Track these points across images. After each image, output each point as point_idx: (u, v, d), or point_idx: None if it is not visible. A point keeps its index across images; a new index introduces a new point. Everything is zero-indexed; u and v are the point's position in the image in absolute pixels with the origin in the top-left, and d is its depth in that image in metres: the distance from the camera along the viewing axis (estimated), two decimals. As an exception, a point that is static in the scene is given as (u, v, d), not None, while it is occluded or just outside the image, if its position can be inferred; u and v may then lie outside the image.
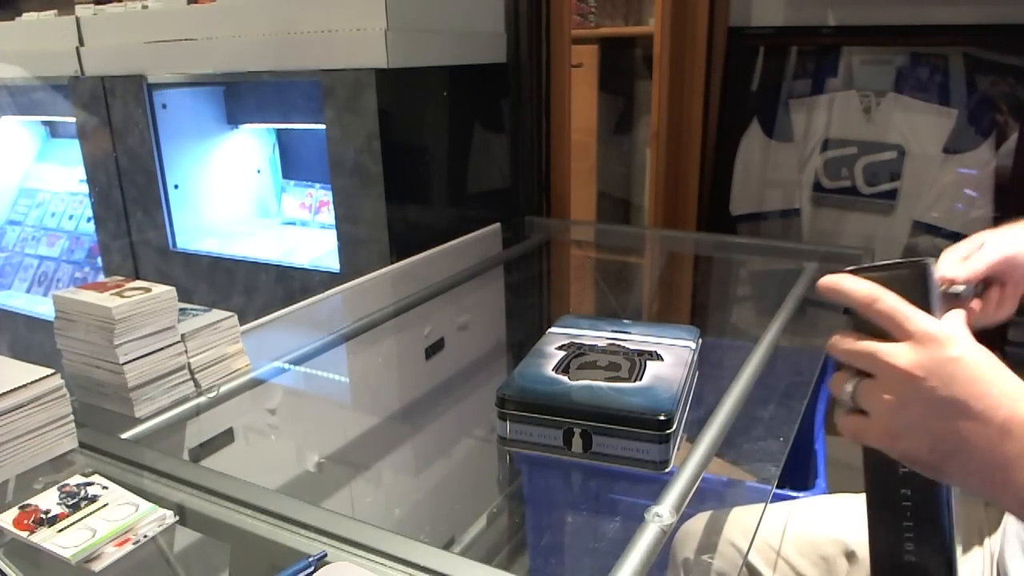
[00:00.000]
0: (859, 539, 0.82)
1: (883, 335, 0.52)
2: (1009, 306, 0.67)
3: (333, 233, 1.63)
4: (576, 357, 0.82)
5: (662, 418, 0.67)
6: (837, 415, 0.55)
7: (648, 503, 0.64)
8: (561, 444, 0.66)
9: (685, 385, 0.76)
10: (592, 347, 0.86)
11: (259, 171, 2.13)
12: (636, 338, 0.89)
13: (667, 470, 0.68)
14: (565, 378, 0.75)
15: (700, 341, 0.94)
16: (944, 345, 0.49)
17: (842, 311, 0.55)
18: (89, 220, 2.34)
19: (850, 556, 0.82)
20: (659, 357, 0.82)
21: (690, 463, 0.70)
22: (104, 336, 0.82)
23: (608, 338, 0.89)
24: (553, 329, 0.94)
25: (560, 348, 0.86)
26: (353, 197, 1.53)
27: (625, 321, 0.95)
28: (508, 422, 0.70)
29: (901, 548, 0.55)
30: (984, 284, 0.66)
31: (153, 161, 1.85)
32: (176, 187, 1.90)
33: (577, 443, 0.65)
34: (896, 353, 0.51)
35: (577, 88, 2.01)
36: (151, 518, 0.64)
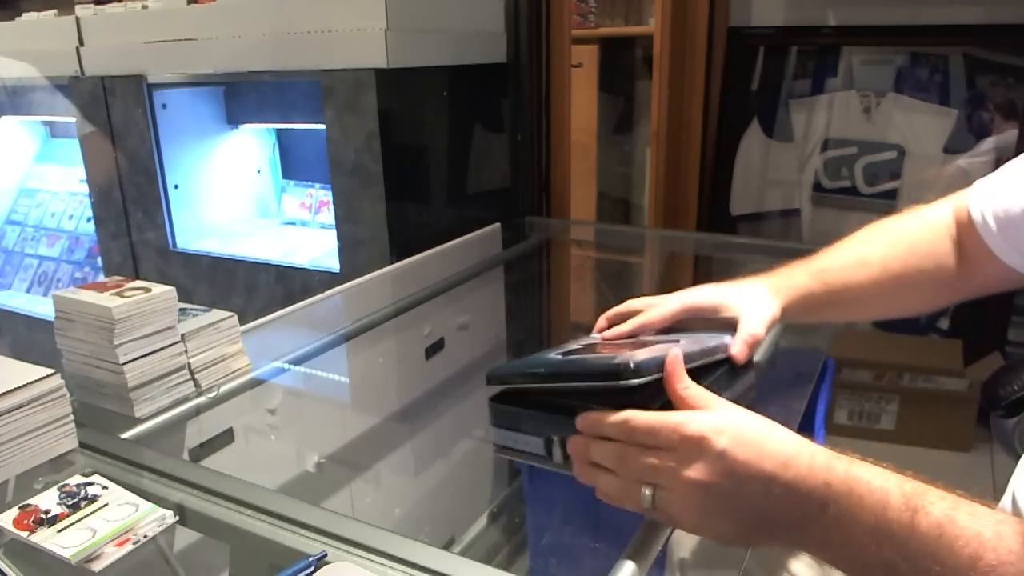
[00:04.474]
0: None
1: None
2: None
3: (333, 233, 1.63)
4: (581, 348, 0.71)
5: (632, 380, 0.55)
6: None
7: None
8: (543, 453, 0.62)
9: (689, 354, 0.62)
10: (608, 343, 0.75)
11: (259, 171, 2.13)
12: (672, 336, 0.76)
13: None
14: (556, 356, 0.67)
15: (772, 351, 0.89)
16: (710, 441, 0.51)
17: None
18: (89, 220, 2.34)
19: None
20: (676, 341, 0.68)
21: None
22: (104, 336, 0.82)
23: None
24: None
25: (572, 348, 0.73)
26: (353, 197, 1.54)
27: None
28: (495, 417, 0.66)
29: None
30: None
31: (153, 161, 1.85)
32: (176, 187, 1.90)
33: (559, 454, 0.61)
34: (673, 466, 0.53)
35: (577, 88, 2.01)
36: (151, 518, 0.64)
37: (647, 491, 0.54)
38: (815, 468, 0.50)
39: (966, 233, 0.74)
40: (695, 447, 0.52)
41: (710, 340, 0.69)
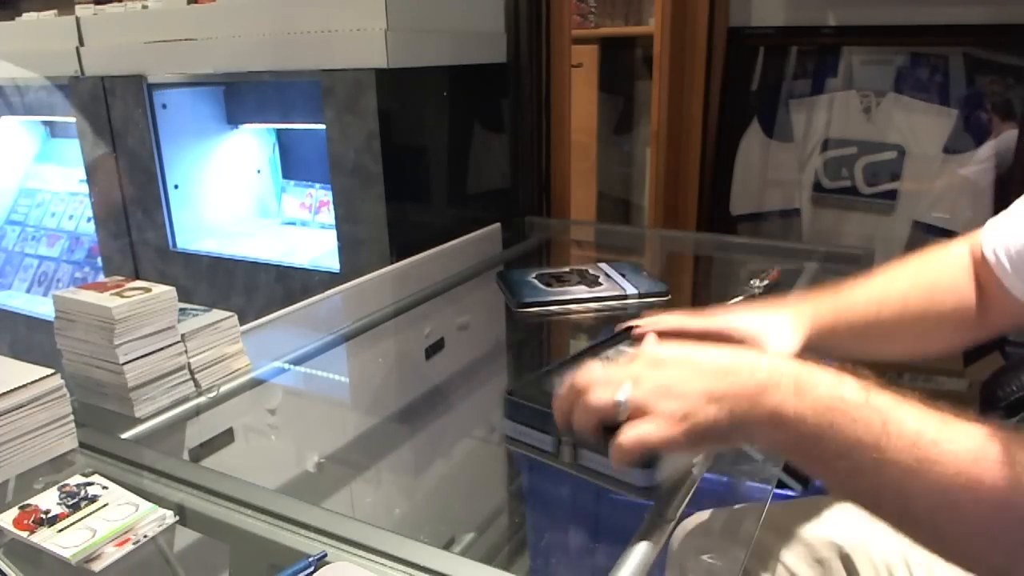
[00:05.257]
0: (855, 542, 0.83)
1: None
2: None
3: (333, 233, 1.63)
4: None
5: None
6: (615, 440, 0.56)
7: (648, 503, 0.64)
8: (552, 451, 0.65)
9: None
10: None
11: (259, 171, 2.13)
12: None
13: (651, 499, 0.62)
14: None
15: None
16: (662, 352, 0.60)
17: None
18: (89, 220, 2.34)
19: (845, 559, 0.83)
20: None
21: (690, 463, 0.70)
22: (104, 336, 0.82)
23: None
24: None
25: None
26: (353, 197, 1.53)
27: None
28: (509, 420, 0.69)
29: None
30: None
31: (153, 161, 1.85)
32: (176, 187, 1.90)
33: (567, 453, 0.64)
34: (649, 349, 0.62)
35: (577, 88, 2.01)
36: (151, 518, 0.64)
37: (620, 394, 0.57)
38: (776, 358, 0.57)
39: (982, 272, 0.74)
40: (655, 355, 0.60)
41: None
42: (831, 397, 0.51)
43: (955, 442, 0.48)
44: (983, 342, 0.79)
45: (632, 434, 0.55)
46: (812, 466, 0.53)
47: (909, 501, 0.48)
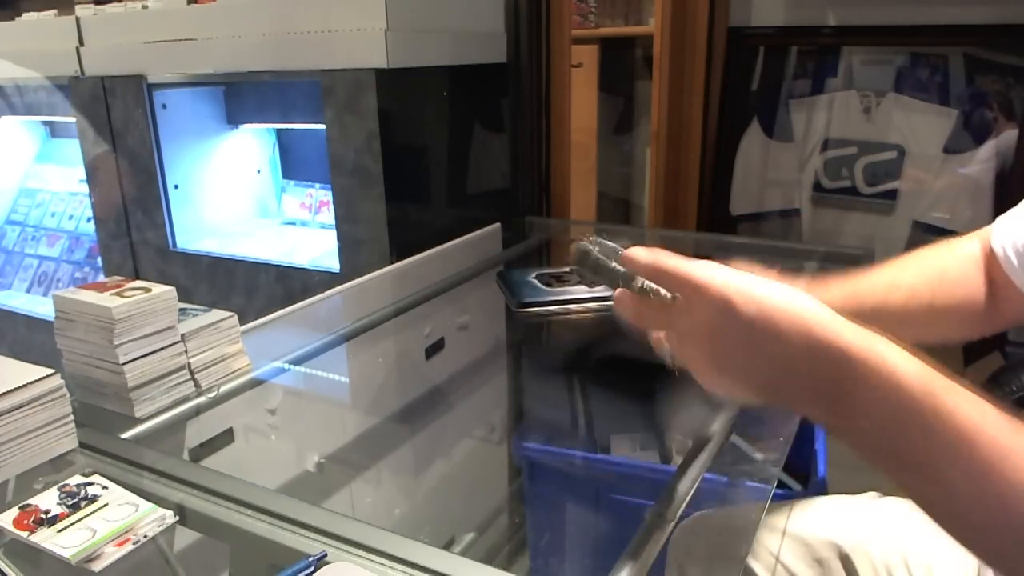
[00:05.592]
0: (855, 542, 0.83)
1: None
2: None
3: (333, 233, 1.63)
4: None
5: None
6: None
7: (648, 503, 0.64)
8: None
9: None
10: None
11: (259, 171, 2.13)
12: None
13: None
14: None
15: None
16: (732, 302, 0.51)
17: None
18: (89, 220, 2.34)
19: (844, 559, 0.83)
20: None
21: (690, 463, 0.70)
22: (104, 336, 0.82)
23: None
24: None
25: None
26: (353, 197, 1.53)
27: None
28: None
29: None
30: None
31: (153, 161, 1.85)
32: (176, 187, 1.90)
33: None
34: (693, 321, 0.54)
35: (577, 88, 2.01)
36: (151, 518, 0.64)
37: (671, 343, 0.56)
38: (834, 342, 0.48)
39: (992, 266, 0.75)
40: (715, 305, 0.52)
41: None
42: (904, 402, 0.46)
43: None
44: (991, 334, 0.80)
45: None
46: (880, 465, 0.49)
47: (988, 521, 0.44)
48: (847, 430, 0.49)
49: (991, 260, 0.75)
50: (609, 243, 0.61)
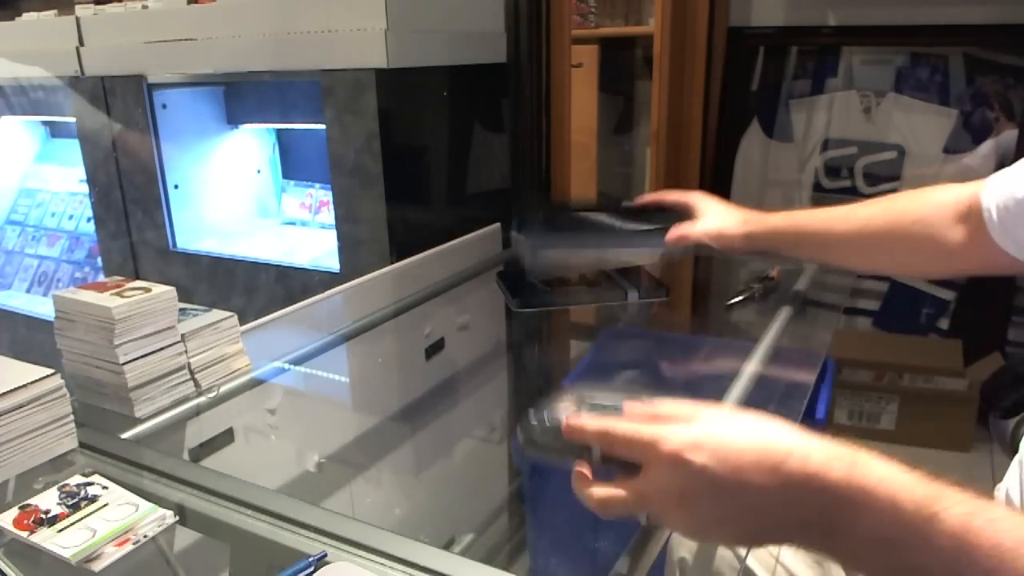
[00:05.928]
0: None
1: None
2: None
3: (333, 233, 1.63)
4: None
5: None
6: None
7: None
8: None
9: None
10: None
11: (259, 171, 2.13)
12: None
13: None
14: None
15: None
16: (687, 460, 0.48)
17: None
18: (89, 220, 2.34)
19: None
20: None
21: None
22: (104, 336, 0.82)
23: None
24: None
25: None
26: (353, 197, 1.53)
27: None
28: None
29: None
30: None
31: (153, 161, 1.85)
32: (176, 187, 1.90)
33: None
34: (657, 488, 0.50)
35: (577, 88, 2.01)
36: (151, 518, 0.64)
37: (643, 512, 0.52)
38: (808, 473, 0.46)
39: (974, 215, 0.78)
40: (673, 465, 0.48)
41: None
42: (885, 530, 0.44)
43: None
44: (960, 276, 0.86)
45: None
46: None
47: None
48: (842, 553, 0.47)
49: (976, 209, 0.78)
50: (554, 413, 0.55)
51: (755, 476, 0.46)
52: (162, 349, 0.86)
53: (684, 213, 1.05)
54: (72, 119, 2.00)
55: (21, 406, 0.70)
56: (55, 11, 2.03)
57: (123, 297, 0.83)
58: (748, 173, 2.21)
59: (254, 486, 0.68)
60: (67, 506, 0.65)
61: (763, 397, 0.87)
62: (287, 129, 2.09)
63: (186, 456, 0.88)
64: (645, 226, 1.11)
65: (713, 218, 1.01)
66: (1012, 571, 0.41)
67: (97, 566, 0.59)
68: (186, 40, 1.70)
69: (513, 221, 1.28)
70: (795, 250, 0.96)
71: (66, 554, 0.60)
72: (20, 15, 2.12)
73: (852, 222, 0.88)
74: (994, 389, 1.92)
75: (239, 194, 2.09)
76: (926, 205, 0.83)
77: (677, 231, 1.03)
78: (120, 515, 0.64)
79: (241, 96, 1.98)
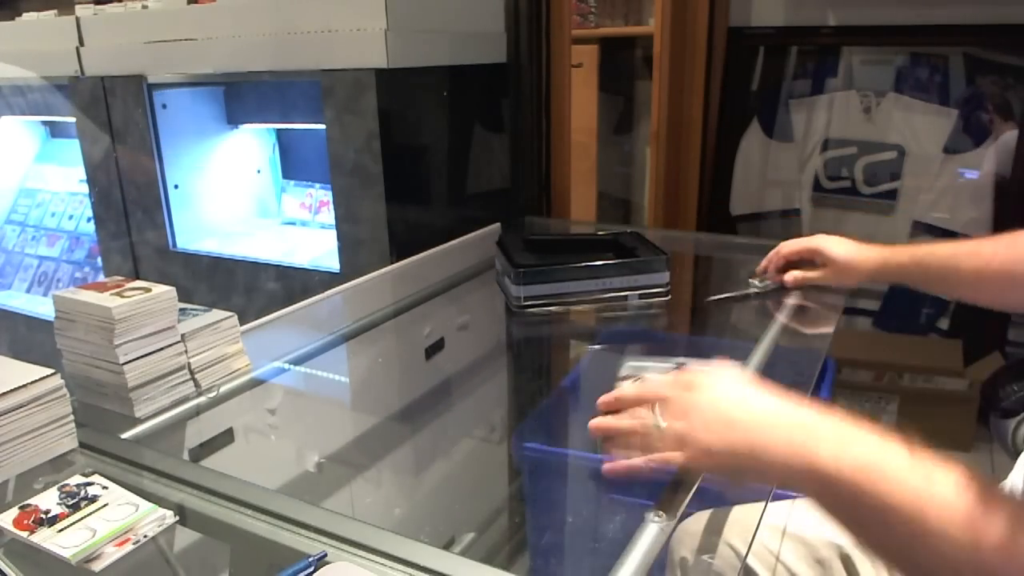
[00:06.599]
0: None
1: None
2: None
3: (333, 233, 1.63)
4: None
5: None
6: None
7: (648, 503, 0.64)
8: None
9: None
10: None
11: (259, 171, 2.13)
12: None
13: None
14: None
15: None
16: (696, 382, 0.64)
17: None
18: (89, 220, 2.34)
19: (845, 559, 0.82)
20: None
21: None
22: (104, 336, 0.82)
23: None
24: None
25: None
26: (353, 197, 1.53)
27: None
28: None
29: None
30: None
31: (153, 161, 1.85)
32: (176, 187, 1.90)
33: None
34: (670, 395, 0.64)
35: (577, 88, 2.01)
36: (151, 518, 0.64)
37: (655, 416, 0.63)
38: (801, 409, 0.60)
39: None
40: (690, 383, 0.63)
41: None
42: (873, 457, 0.52)
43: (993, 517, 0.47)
44: None
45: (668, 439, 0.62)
46: (849, 525, 0.53)
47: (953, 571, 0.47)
48: (828, 470, 0.53)
49: None
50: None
51: (757, 397, 0.61)
52: (162, 349, 0.86)
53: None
54: (72, 119, 1.99)
55: (21, 406, 0.70)
56: (55, 11, 2.03)
57: (123, 297, 0.83)
58: (748, 173, 2.21)
59: (254, 486, 0.68)
60: (67, 506, 0.65)
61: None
62: (287, 129, 2.09)
63: (186, 456, 0.88)
64: (621, 259, 1.19)
65: (839, 260, 1.08)
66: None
67: (97, 566, 0.59)
68: (186, 40, 1.70)
69: (496, 260, 1.31)
70: (922, 286, 0.99)
71: (66, 554, 0.60)
72: (20, 15, 2.12)
73: (976, 260, 0.87)
74: (994, 389, 1.92)
75: (239, 194, 2.09)
76: None
77: (796, 276, 1.14)
78: (120, 515, 0.64)
79: (241, 96, 1.98)
